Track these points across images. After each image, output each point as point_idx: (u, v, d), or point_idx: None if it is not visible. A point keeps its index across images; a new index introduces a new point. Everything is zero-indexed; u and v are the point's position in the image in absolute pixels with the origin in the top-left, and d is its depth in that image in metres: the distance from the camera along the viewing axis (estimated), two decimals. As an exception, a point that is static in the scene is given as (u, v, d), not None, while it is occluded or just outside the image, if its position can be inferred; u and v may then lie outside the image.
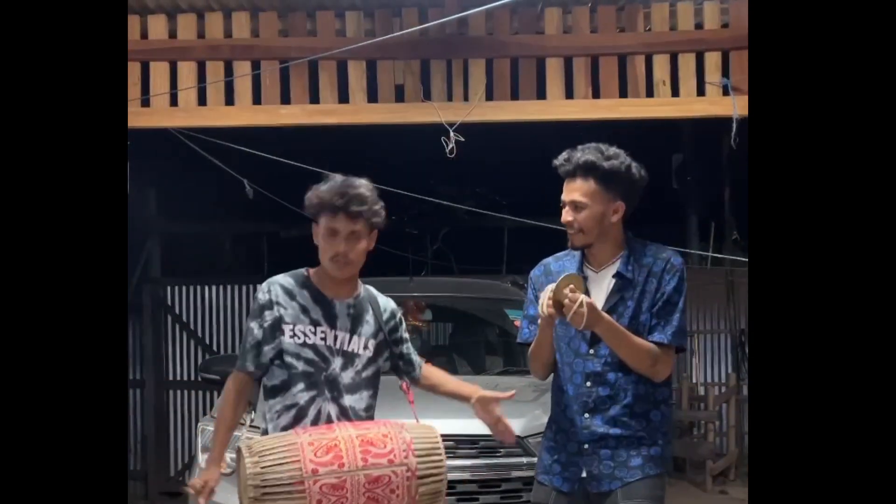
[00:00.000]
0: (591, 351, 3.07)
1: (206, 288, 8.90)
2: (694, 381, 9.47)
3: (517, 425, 4.34)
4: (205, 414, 7.80)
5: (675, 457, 3.17)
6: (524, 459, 4.32)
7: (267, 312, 3.07)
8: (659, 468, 3.06)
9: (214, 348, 8.84)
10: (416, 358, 3.27)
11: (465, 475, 4.20)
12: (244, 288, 8.82)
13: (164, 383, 8.77)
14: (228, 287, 8.91)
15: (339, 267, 3.05)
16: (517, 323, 5.83)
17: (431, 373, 3.29)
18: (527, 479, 4.28)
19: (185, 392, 8.81)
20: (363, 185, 3.07)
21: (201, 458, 4.55)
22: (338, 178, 3.08)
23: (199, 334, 8.88)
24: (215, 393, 5.54)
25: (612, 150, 3.06)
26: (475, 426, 3.95)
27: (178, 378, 8.81)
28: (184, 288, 8.90)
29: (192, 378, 8.71)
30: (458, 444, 3.73)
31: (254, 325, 3.08)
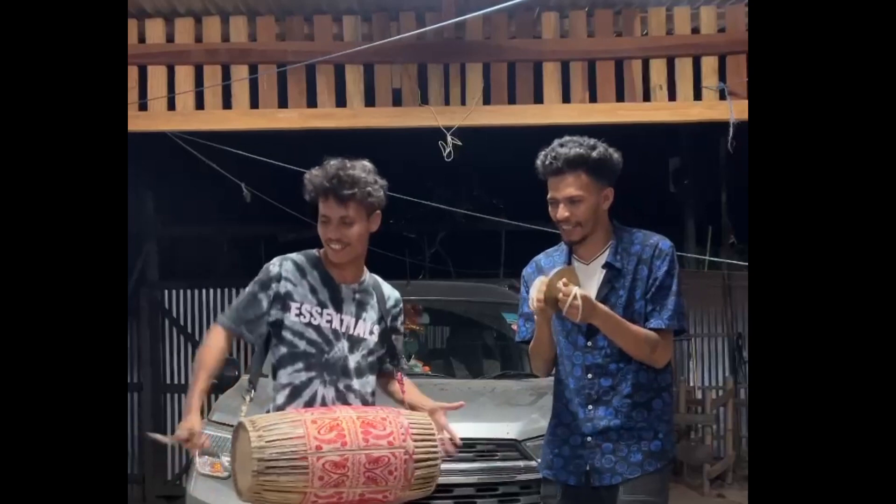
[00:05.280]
0: (590, 343, 3.08)
1: (204, 291, 8.89)
2: (691, 384, 9.46)
3: (514, 429, 4.37)
4: (202, 417, 7.79)
5: (672, 460, 3.17)
6: (521, 463, 4.32)
7: (274, 285, 3.08)
8: (659, 462, 3.07)
9: (212, 352, 8.81)
10: (402, 349, 3.32)
11: (463, 479, 4.20)
12: (241, 291, 8.80)
13: (162, 386, 8.76)
14: (226, 290, 8.87)
15: (334, 252, 3.06)
16: (515, 326, 5.85)
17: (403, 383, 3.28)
18: (524, 482, 4.30)
19: (183, 395, 8.73)
20: (358, 167, 3.03)
21: (198, 462, 4.56)
22: (334, 161, 3.05)
23: (197, 338, 8.86)
24: (212, 396, 5.53)
25: (589, 139, 3.08)
26: (472, 429, 3.95)
27: (176, 381, 8.79)
28: (181, 291, 8.89)
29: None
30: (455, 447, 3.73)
31: (262, 295, 3.10)
